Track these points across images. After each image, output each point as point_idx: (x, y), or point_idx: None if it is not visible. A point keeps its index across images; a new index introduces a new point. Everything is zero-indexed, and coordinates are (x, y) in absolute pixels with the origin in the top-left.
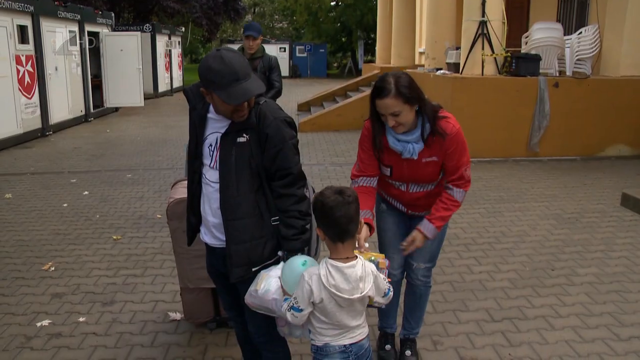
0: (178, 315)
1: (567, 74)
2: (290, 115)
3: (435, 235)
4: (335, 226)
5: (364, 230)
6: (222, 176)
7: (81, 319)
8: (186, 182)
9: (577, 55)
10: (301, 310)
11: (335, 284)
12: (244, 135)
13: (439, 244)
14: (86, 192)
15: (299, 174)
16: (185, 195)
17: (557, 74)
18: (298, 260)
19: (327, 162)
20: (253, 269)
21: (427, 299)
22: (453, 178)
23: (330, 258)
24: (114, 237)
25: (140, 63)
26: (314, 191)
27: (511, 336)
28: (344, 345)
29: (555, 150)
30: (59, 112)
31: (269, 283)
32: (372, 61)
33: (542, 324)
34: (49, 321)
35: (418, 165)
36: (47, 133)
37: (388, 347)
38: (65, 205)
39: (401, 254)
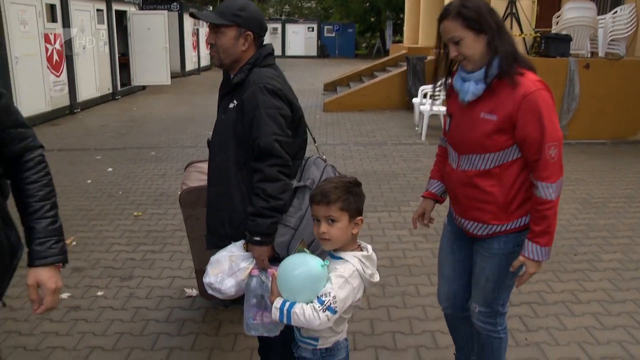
0: (194, 292)
1: (600, 55)
2: (317, 95)
3: (546, 255)
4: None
5: (421, 206)
6: (211, 142)
7: (99, 293)
8: (200, 164)
9: (610, 36)
10: (336, 312)
11: (371, 272)
12: (234, 101)
13: (497, 285)
14: (110, 169)
15: (266, 148)
16: (199, 183)
17: (589, 55)
18: (315, 261)
19: (351, 142)
20: (232, 242)
21: (495, 354)
22: (533, 162)
23: (350, 251)
24: (135, 214)
25: (167, 42)
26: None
27: (529, 321)
28: (346, 338)
29: (584, 133)
30: (87, 90)
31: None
32: (401, 41)
33: (562, 309)
34: (69, 294)
35: (474, 120)
36: (75, 111)
37: None
38: (89, 181)
39: (449, 284)
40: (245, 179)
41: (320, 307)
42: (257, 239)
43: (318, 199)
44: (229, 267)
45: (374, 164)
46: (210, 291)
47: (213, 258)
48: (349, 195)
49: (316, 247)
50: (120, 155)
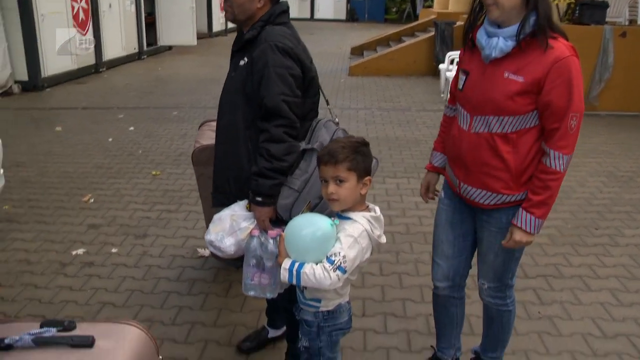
0: (206, 252)
1: (639, 23)
2: (343, 59)
3: (538, 228)
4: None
5: (426, 179)
6: (221, 99)
7: (113, 250)
8: (214, 123)
9: None
10: (346, 271)
11: (379, 233)
12: (245, 58)
13: (507, 259)
14: (132, 128)
15: (273, 108)
16: (212, 141)
17: (627, 23)
18: (324, 221)
19: (375, 106)
20: (238, 201)
21: (505, 326)
22: (551, 130)
23: (359, 211)
24: (153, 173)
25: (193, 2)
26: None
27: (543, 294)
28: (348, 301)
29: (615, 104)
30: (113, 49)
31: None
32: (431, 6)
33: (578, 283)
34: (84, 250)
35: (496, 79)
36: (101, 70)
37: None
38: (110, 139)
39: (448, 262)
40: (253, 137)
41: (331, 267)
42: (259, 199)
43: (326, 159)
44: (229, 226)
45: (396, 130)
46: (210, 249)
47: (216, 216)
48: (357, 155)
49: (323, 208)
50: (143, 114)
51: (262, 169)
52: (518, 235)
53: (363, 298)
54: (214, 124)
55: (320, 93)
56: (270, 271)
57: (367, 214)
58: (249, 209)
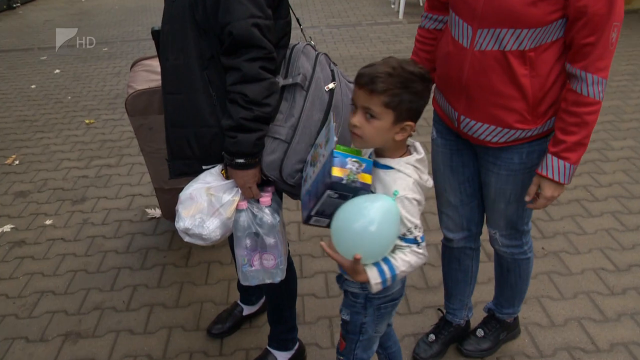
0: (157, 212)
1: None
2: None
3: (571, 177)
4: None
5: None
6: (161, 34)
7: (48, 222)
8: (149, 61)
9: None
10: (424, 237)
11: (426, 178)
12: None
13: (521, 204)
14: (57, 71)
15: (242, 36)
16: (149, 84)
17: None
18: (384, 206)
19: (323, 24)
20: (204, 167)
21: (523, 276)
22: (584, 46)
23: (400, 157)
24: (87, 121)
25: None
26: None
27: (543, 226)
28: None
29: None
30: None
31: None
32: None
33: (577, 209)
34: (11, 226)
35: None
36: (15, 5)
37: (432, 337)
38: (33, 86)
39: (457, 212)
40: (215, 80)
41: (419, 247)
42: (240, 161)
43: (364, 81)
44: (208, 204)
45: (350, 48)
46: (187, 239)
47: (183, 194)
48: (404, 92)
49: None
50: (69, 53)
51: (239, 121)
52: (549, 190)
53: None
54: (149, 62)
55: (291, 11)
56: (274, 248)
57: (411, 158)
58: (227, 175)
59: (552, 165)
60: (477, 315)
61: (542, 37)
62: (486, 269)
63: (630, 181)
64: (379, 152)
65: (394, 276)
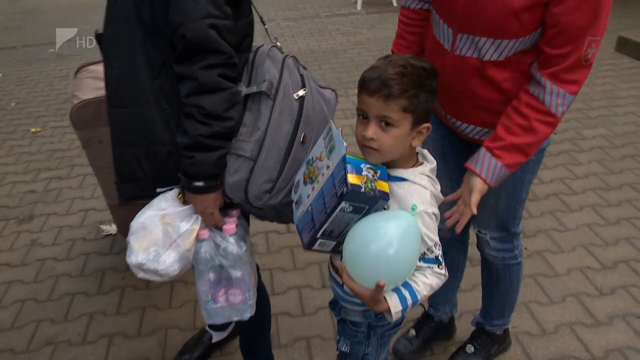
0: (113, 228)
1: None
2: None
3: (498, 180)
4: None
5: None
6: (104, 37)
7: None
8: (95, 67)
9: None
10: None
11: (439, 187)
12: None
13: (512, 200)
14: None
15: (197, 40)
16: (96, 93)
17: None
18: (403, 217)
19: (279, 17)
20: (158, 190)
21: (514, 283)
22: (556, 56)
23: (412, 167)
24: (33, 130)
25: None
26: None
27: (523, 223)
28: None
29: None
30: None
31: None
32: None
33: (556, 204)
34: None
35: None
36: None
37: (412, 333)
38: None
39: (449, 201)
40: (167, 90)
41: (440, 266)
42: (199, 184)
43: (375, 86)
44: (163, 234)
45: (309, 41)
46: (141, 274)
47: (135, 224)
48: (421, 91)
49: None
50: (11, 56)
51: (197, 138)
52: (474, 186)
53: None
54: (95, 68)
55: (253, 8)
56: (241, 281)
57: (424, 168)
58: (184, 200)
59: (482, 160)
60: (464, 328)
61: (523, 45)
62: (471, 274)
63: (606, 172)
64: (388, 163)
65: (415, 302)
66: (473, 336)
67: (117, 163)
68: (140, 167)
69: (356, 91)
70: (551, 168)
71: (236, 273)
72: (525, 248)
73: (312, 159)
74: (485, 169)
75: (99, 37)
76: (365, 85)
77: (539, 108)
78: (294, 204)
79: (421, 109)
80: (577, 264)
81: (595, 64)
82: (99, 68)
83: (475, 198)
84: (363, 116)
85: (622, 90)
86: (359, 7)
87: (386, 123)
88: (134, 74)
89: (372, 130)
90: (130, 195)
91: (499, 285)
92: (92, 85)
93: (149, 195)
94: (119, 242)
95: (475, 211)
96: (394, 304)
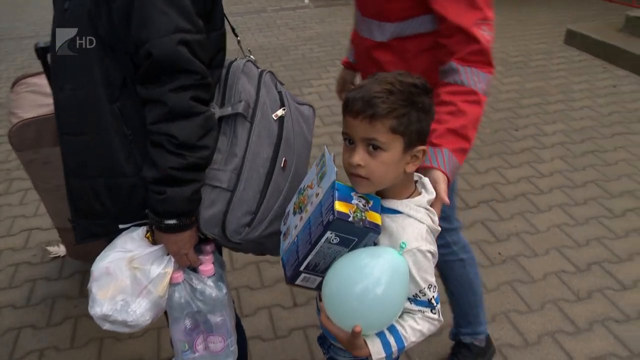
0: (62, 249)
1: None
2: None
3: (454, 168)
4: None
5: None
6: (52, 53)
7: None
8: (35, 79)
9: None
10: (439, 296)
11: (436, 219)
12: None
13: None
14: None
15: (165, 58)
16: (38, 110)
17: None
18: (390, 252)
19: (224, 12)
20: (121, 226)
21: (464, 284)
22: (454, 45)
23: (409, 197)
24: None
25: None
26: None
27: (494, 227)
28: None
29: None
30: None
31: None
32: None
33: (525, 204)
34: None
35: None
36: None
37: None
38: None
39: None
40: (129, 114)
41: (433, 311)
42: (172, 222)
43: (358, 107)
44: (132, 281)
45: (257, 37)
46: (107, 326)
47: (97, 269)
48: (412, 109)
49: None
50: None
51: (168, 171)
52: (439, 175)
53: None
54: (35, 81)
55: (225, 19)
56: (221, 327)
57: (422, 199)
58: (153, 240)
59: (430, 155)
60: (444, 343)
61: (401, 30)
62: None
63: (569, 169)
64: (380, 193)
65: (401, 349)
66: (453, 352)
67: (71, 197)
68: (100, 201)
69: (311, 90)
70: (516, 167)
71: (215, 319)
72: (499, 253)
73: (304, 187)
74: (439, 160)
75: (40, 53)
76: (349, 107)
77: (460, 90)
78: (282, 236)
79: (413, 130)
80: (552, 268)
81: (547, 57)
82: (40, 81)
83: (442, 186)
84: (349, 141)
85: (576, 84)
86: (306, 0)
87: (374, 147)
88: (91, 96)
89: (359, 156)
90: (88, 233)
91: (449, 287)
92: (33, 101)
93: (110, 233)
94: (69, 264)
95: (447, 200)
96: (376, 350)
